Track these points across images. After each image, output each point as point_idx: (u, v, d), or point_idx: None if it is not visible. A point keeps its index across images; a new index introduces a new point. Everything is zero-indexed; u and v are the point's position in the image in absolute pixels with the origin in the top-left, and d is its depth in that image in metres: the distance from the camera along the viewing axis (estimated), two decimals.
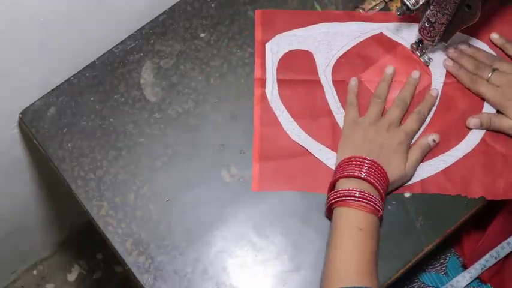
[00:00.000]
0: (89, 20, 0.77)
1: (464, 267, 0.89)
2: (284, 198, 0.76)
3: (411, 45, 0.83)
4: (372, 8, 0.85)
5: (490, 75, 0.78)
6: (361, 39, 0.84)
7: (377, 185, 0.69)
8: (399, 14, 0.76)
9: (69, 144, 0.78)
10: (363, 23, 0.85)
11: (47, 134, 0.79)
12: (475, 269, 0.84)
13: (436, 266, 0.91)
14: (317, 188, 0.76)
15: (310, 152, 0.78)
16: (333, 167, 0.76)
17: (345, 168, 0.71)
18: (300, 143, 0.78)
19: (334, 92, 0.81)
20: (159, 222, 0.75)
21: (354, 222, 0.68)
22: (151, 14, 0.84)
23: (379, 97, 0.79)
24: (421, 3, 0.74)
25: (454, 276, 0.87)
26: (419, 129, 0.78)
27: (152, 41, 0.84)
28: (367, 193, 0.68)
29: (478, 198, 0.76)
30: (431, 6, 0.75)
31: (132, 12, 0.83)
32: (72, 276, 1.41)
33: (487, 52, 0.82)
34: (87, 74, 0.82)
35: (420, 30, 0.79)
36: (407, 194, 0.76)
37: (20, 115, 0.80)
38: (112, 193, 0.76)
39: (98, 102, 0.81)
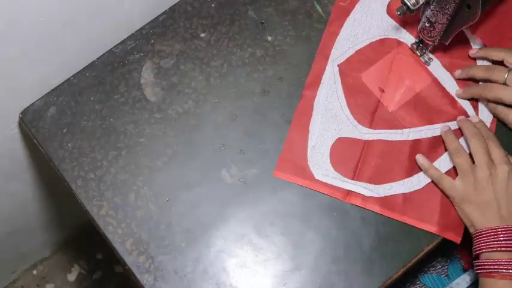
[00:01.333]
0: (89, 20, 0.77)
1: (466, 269, 0.88)
2: (284, 199, 0.76)
3: (411, 45, 0.83)
4: None
5: (506, 75, 0.76)
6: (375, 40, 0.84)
7: None
8: (399, 14, 0.76)
9: (69, 144, 0.78)
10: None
11: (47, 134, 0.79)
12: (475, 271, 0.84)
13: (438, 268, 0.91)
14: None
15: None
16: None
17: (488, 240, 0.71)
18: (427, 182, 0.77)
19: (385, 130, 0.80)
20: (159, 222, 0.75)
21: None
22: (151, 14, 0.84)
23: (458, 149, 0.76)
24: (421, 3, 0.74)
25: (455, 279, 0.87)
26: (504, 151, 0.74)
27: (152, 41, 0.84)
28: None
29: None
30: (431, 6, 0.75)
31: (132, 12, 0.82)
32: (72, 276, 1.41)
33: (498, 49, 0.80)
34: (87, 74, 0.82)
35: (420, 30, 0.79)
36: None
37: (20, 115, 0.80)
38: (112, 193, 0.76)
39: (98, 102, 0.81)
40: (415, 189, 0.77)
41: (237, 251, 0.74)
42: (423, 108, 0.81)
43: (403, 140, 0.79)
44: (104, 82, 0.82)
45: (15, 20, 0.67)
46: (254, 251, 0.74)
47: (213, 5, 0.86)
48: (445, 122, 0.80)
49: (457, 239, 0.75)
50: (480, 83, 0.80)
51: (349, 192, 0.76)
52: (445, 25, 0.75)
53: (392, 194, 0.76)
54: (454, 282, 0.86)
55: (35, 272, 1.41)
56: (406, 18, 0.83)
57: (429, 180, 0.77)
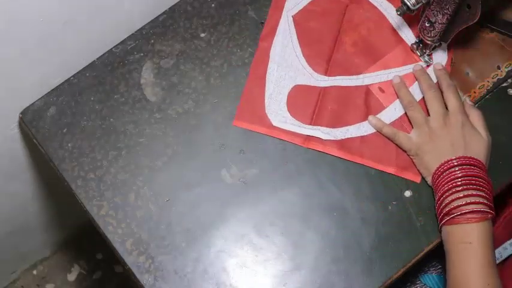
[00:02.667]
0: (89, 20, 0.77)
1: None
2: (284, 199, 0.76)
3: (411, 45, 0.83)
4: None
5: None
6: None
7: (481, 189, 0.69)
8: (399, 14, 0.76)
9: (69, 144, 0.78)
10: None
11: (47, 134, 0.79)
12: None
13: (438, 267, 0.91)
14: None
15: (400, 117, 0.80)
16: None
17: (443, 182, 0.71)
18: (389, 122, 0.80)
19: (341, 76, 0.82)
20: (159, 222, 0.75)
21: (462, 238, 0.69)
22: (151, 14, 0.84)
23: (411, 103, 0.78)
24: (421, 3, 0.74)
25: None
26: (461, 99, 0.77)
27: (152, 41, 0.84)
28: (473, 202, 0.69)
29: None
30: (431, 6, 0.75)
31: (132, 12, 0.82)
32: (72, 276, 1.41)
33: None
34: (87, 74, 0.82)
35: (420, 30, 0.79)
36: (407, 194, 0.76)
37: (20, 115, 0.80)
38: (112, 193, 0.76)
39: (98, 102, 0.81)
40: (372, 132, 0.79)
41: (237, 251, 0.74)
42: (377, 53, 0.83)
43: (359, 86, 0.82)
44: (104, 82, 0.82)
45: (15, 20, 0.67)
46: (254, 251, 0.74)
47: (213, 5, 0.86)
48: (400, 66, 0.82)
49: (416, 178, 0.77)
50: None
51: (307, 137, 0.79)
52: (445, 25, 0.75)
53: (349, 136, 0.79)
54: None
55: (35, 272, 1.40)
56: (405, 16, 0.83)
57: (390, 122, 0.79)
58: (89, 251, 1.43)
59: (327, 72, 0.82)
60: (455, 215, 0.69)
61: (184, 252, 0.74)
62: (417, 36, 0.82)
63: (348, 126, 0.79)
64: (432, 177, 0.74)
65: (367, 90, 0.81)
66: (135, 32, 0.84)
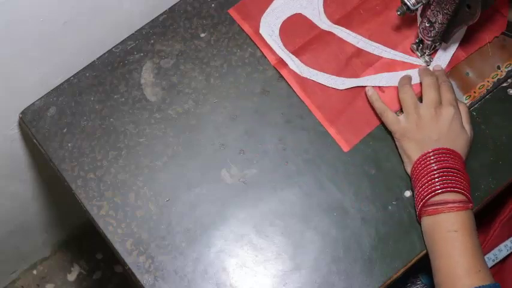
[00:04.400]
0: (89, 20, 0.77)
1: None
2: (284, 199, 0.76)
3: (411, 45, 0.83)
4: None
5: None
6: None
7: (460, 181, 0.70)
8: (399, 14, 0.76)
9: (69, 144, 0.78)
10: None
11: (47, 134, 0.79)
12: None
13: None
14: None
15: (362, 87, 0.81)
16: (383, 84, 0.81)
17: (424, 173, 0.71)
18: (349, 87, 0.81)
19: (343, 28, 0.84)
20: (159, 222, 0.75)
21: (447, 227, 0.69)
22: (151, 14, 0.84)
23: (406, 86, 0.78)
24: (421, 3, 0.74)
25: None
26: (455, 96, 0.77)
27: (152, 41, 0.84)
28: (455, 191, 0.69)
29: (479, 199, 0.76)
30: (431, 6, 0.75)
31: (132, 12, 0.83)
32: (72, 276, 1.41)
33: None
34: (87, 74, 0.82)
35: (420, 30, 0.79)
36: (407, 194, 0.76)
37: (20, 115, 0.80)
38: (112, 193, 0.76)
39: (98, 102, 0.81)
40: (334, 87, 0.81)
41: (237, 251, 0.74)
42: (388, 31, 0.84)
43: (351, 43, 0.83)
44: (104, 82, 0.82)
45: (15, 20, 0.67)
46: (254, 251, 0.74)
47: (213, 5, 0.86)
48: (401, 52, 0.83)
49: (346, 146, 0.79)
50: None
51: (281, 60, 0.82)
52: (445, 25, 0.75)
53: (313, 79, 0.81)
54: None
55: (35, 272, 1.40)
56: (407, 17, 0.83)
57: (351, 87, 0.81)
58: (89, 251, 1.43)
59: (335, 21, 0.84)
60: (439, 205, 0.69)
61: (184, 252, 0.74)
62: (417, 36, 0.82)
63: (318, 71, 0.82)
64: (413, 167, 0.74)
65: (356, 51, 0.83)
66: (135, 32, 0.84)
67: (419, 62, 0.83)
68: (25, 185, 1.04)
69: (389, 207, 0.76)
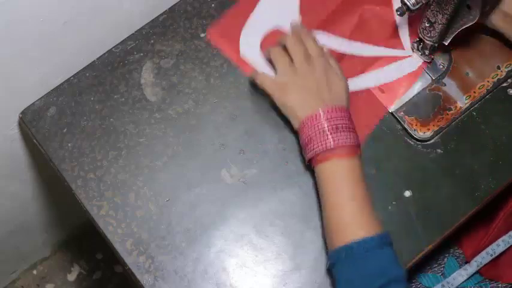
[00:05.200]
0: (89, 20, 0.77)
1: (461, 265, 0.89)
2: (284, 199, 0.76)
3: (411, 45, 0.83)
4: None
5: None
6: None
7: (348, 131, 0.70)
8: (399, 14, 0.76)
9: (69, 144, 0.78)
10: None
11: (47, 134, 0.79)
12: (471, 266, 0.85)
13: (434, 267, 0.91)
14: None
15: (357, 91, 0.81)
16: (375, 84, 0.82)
17: (312, 130, 0.72)
18: None
19: (324, 32, 0.84)
20: (159, 222, 0.75)
21: (334, 172, 0.70)
22: (152, 14, 0.84)
23: (277, 48, 0.79)
24: (421, 3, 0.74)
25: (451, 274, 0.88)
26: (321, 47, 0.78)
27: (152, 41, 0.84)
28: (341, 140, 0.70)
29: (478, 199, 0.76)
30: (431, 6, 0.75)
31: (132, 12, 0.83)
32: (72, 276, 1.41)
33: None
34: (87, 74, 0.82)
35: (420, 30, 0.79)
36: (407, 194, 0.76)
37: (20, 115, 0.80)
38: (112, 193, 0.76)
39: (98, 102, 0.81)
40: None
41: (237, 251, 0.74)
42: (368, 28, 0.84)
43: (334, 49, 0.83)
44: (104, 82, 0.82)
45: (15, 20, 0.67)
46: (254, 251, 0.74)
47: (213, 5, 0.86)
48: (384, 46, 0.83)
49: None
50: None
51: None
52: (445, 25, 0.75)
53: None
54: (450, 277, 0.86)
55: (35, 272, 1.41)
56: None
57: None
58: (89, 251, 1.43)
59: (314, 28, 0.83)
60: (325, 153, 0.70)
61: (184, 252, 0.74)
62: (416, 36, 0.82)
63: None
64: (302, 124, 0.73)
65: (340, 56, 0.82)
66: (135, 32, 0.84)
67: (404, 53, 0.83)
68: (25, 185, 1.05)
69: (389, 207, 0.76)
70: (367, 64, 0.82)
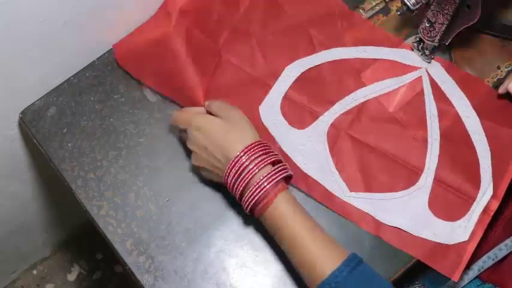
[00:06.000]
0: (89, 19, 0.77)
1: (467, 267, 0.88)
2: None
3: (412, 44, 0.83)
4: (372, 8, 0.85)
5: None
6: None
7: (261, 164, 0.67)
8: (399, 14, 0.76)
9: (69, 144, 0.78)
10: None
11: (47, 134, 0.79)
12: (473, 270, 0.84)
13: None
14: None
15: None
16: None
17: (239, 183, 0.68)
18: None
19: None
20: (159, 222, 0.75)
21: (276, 223, 0.67)
22: (152, 13, 0.84)
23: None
24: (421, 3, 0.74)
25: None
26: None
27: None
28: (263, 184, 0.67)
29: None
30: (431, 6, 0.75)
31: (132, 12, 0.82)
32: (72, 276, 1.41)
33: None
34: (87, 74, 0.82)
35: (420, 30, 0.79)
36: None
37: (20, 115, 0.80)
38: (112, 193, 0.76)
39: (98, 102, 0.81)
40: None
41: (237, 251, 0.74)
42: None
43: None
44: (104, 82, 0.82)
45: (15, 20, 0.67)
46: (254, 251, 0.74)
47: None
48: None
49: None
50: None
51: None
52: (445, 25, 0.75)
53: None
54: (451, 281, 0.86)
55: (35, 272, 1.41)
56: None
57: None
58: (89, 251, 1.43)
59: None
60: (260, 203, 0.66)
61: (184, 252, 0.74)
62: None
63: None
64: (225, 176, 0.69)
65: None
66: None
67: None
68: (25, 185, 1.05)
69: None
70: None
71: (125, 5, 0.80)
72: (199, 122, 0.70)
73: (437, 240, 0.73)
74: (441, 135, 0.78)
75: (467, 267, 0.85)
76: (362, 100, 0.80)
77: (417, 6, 0.75)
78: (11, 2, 0.64)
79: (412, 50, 0.83)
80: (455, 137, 0.78)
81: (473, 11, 0.70)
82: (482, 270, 0.84)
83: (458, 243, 0.73)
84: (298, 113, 0.79)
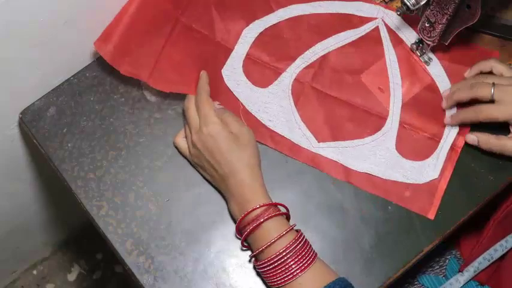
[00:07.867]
0: (89, 19, 0.77)
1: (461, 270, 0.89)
2: (284, 199, 0.76)
3: (411, 45, 0.83)
4: None
5: (492, 91, 0.73)
6: None
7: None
8: (399, 14, 0.76)
9: (69, 144, 0.78)
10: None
11: (47, 134, 0.79)
12: (468, 272, 0.84)
13: (436, 268, 0.91)
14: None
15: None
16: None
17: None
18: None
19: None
20: (159, 222, 0.75)
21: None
22: None
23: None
24: (421, 3, 0.74)
25: (450, 278, 0.87)
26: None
27: None
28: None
29: (478, 198, 0.76)
30: (431, 6, 0.75)
31: None
32: (72, 276, 1.41)
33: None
34: (87, 74, 0.82)
35: (420, 30, 0.79)
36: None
37: (20, 115, 0.80)
38: (112, 193, 0.76)
39: (98, 102, 0.81)
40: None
41: (237, 251, 0.74)
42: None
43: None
44: (104, 82, 0.82)
45: (15, 20, 0.67)
46: None
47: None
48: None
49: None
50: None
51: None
52: (445, 25, 0.75)
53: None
54: (447, 283, 0.86)
55: (35, 272, 1.41)
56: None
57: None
58: (89, 251, 1.43)
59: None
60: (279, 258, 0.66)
61: (184, 252, 0.74)
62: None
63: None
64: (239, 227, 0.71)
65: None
66: None
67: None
68: (25, 185, 1.05)
69: (389, 207, 0.76)
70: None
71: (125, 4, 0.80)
72: (215, 129, 0.71)
73: (408, 181, 0.76)
74: (402, 79, 0.81)
75: (464, 267, 0.86)
76: (322, 53, 0.82)
77: (417, 6, 0.75)
78: (11, 2, 0.64)
79: (412, 51, 0.83)
80: (416, 79, 0.81)
81: (473, 11, 0.70)
82: (478, 271, 0.84)
83: (429, 181, 0.76)
84: (261, 72, 0.81)
